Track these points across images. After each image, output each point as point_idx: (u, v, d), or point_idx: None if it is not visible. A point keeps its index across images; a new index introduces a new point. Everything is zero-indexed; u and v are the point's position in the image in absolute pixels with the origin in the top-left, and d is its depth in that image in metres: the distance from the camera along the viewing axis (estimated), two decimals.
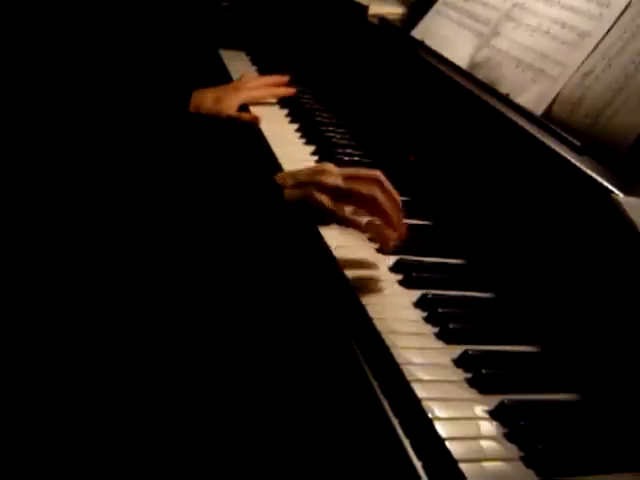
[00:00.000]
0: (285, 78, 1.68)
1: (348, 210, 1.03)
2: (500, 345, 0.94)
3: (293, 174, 1.06)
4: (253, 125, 1.48)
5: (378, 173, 1.04)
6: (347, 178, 1.03)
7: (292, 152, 1.40)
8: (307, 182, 1.02)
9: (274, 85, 1.67)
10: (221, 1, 2.06)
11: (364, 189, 1.02)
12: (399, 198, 1.04)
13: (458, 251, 1.14)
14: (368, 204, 1.02)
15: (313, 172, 1.04)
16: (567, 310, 0.95)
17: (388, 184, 1.03)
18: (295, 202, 1.01)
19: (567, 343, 0.93)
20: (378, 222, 1.04)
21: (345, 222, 1.04)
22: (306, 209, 1.01)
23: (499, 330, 0.97)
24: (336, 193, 1.01)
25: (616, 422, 0.83)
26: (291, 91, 1.66)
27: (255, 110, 1.56)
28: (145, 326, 1.11)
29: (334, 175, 1.02)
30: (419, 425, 0.80)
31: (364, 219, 1.05)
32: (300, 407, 1.11)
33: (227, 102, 1.51)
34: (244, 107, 1.56)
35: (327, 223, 1.05)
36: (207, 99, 1.51)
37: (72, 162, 1.00)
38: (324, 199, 1.00)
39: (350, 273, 1.03)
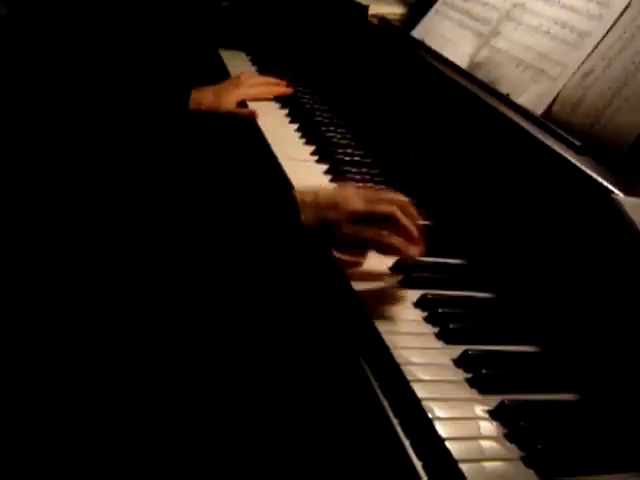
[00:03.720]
0: (283, 81, 1.73)
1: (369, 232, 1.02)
2: (500, 345, 0.94)
3: (313, 194, 1.02)
4: (252, 120, 1.51)
5: (400, 197, 1.04)
6: (367, 201, 1.02)
7: (292, 152, 1.40)
8: (327, 210, 1.00)
9: (272, 84, 1.71)
10: (221, 1, 2.06)
11: (384, 209, 1.01)
12: (418, 218, 1.04)
13: (458, 251, 1.14)
14: (388, 223, 1.01)
15: (334, 197, 1.02)
16: (567, 310, 0.95)
17: (409, 206, 1.03)
18: (312, 227, 1.00)
19: (567, 343, 0.93)
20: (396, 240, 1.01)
21: (366, 244, 1.02)
22: (324, 234, 1.01)
23: (499, 330, 0.97)
24: (358, 218, 1.00)
25: (616, 422, 0.83)
26: (288, 90, 1.70)
27: (255, 109, 1.56)
28: (146, 328, 1.11)
29: (355, 200, 1.01)
30: (419, 425, 0.80)
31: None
32: (300, 407, 1.11)
33: (226, 98, 1.57)
34: (242, 104, 1.59)
35: (345, 247, 1.03)
36: (207, 95, 1.57)
37: (72, 161, 1.00)
38: (349, 230, 1.00)
39: (351, 273, 1.03)
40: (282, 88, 1.70)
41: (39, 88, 1.03)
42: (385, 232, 1.00)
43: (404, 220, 1.01)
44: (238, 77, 1.68)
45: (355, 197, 1.02)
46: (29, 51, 1.04)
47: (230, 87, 1.62)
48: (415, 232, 1.01)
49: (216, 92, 1.59)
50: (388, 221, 1.01)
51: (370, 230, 1.00)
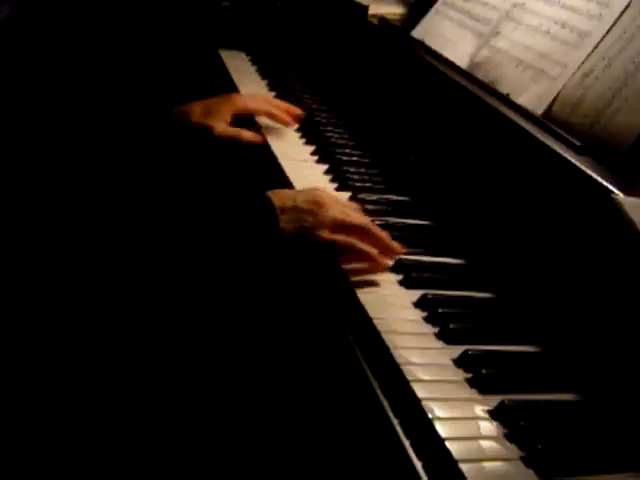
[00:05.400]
0: (298, 111, 1.51)
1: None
2: (500, 345, 0.94)
3: (292, 198, 1.06)
4: (253, 145, 1.37)
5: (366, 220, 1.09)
6: (343, 210, 1.07)
7: (292, 152, 1.40)
8: (306, 215, 1.04)
9: (280, 108, 1.49)
10: (221, 1, 2.06)
11: (360, 219, 1.08)
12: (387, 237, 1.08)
13: (458, 251, 1.14)
14: (360, 234, 1.05)
15: (313, 203, 1.06)
16: (567, 310, 0.95)
17: (375, 228, 1.08)
18: (290, 233, 1.03)
19: (567, 343, 0.93)
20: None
21: (344, 249, 1.05)
22: (302, 240, 1.04)
23: (499, 330, 0.97)
24: (334, 225, 1.04)
25: (616, 422, 0.83)
26: (288, 120, 1.48)
27: (263, 125, 1.47)
28: (144, 328, 1.11)
29: (332, 207, 1.06)
30: (419, 425, 0.79)
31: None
32: (300, 407, 1.11)
33: (216, 114, 1.36)
34: (249, 122, 1.45)
35: (324, 253, 1.05)
36: (194, 110, 1.36)
37: (64, 160, 1.01)
38: (325, 235, 1.04)
39: (350, 273, 1.03)
40: (285, 116, 1.47)
41: (39, 87, 1.03)
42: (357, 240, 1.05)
43: (377, 230, 1.07)
44: (229, 94, 1.48)
45: (332, 205, 1.07)
46: (31, 51, 1.04)
47: (222, 100, 1.41)
48: (388, 243, 1.07)
49: (205, 107, 1.36)
50: (361, 232, 1.05)
51: (347, 236, 1.04)
